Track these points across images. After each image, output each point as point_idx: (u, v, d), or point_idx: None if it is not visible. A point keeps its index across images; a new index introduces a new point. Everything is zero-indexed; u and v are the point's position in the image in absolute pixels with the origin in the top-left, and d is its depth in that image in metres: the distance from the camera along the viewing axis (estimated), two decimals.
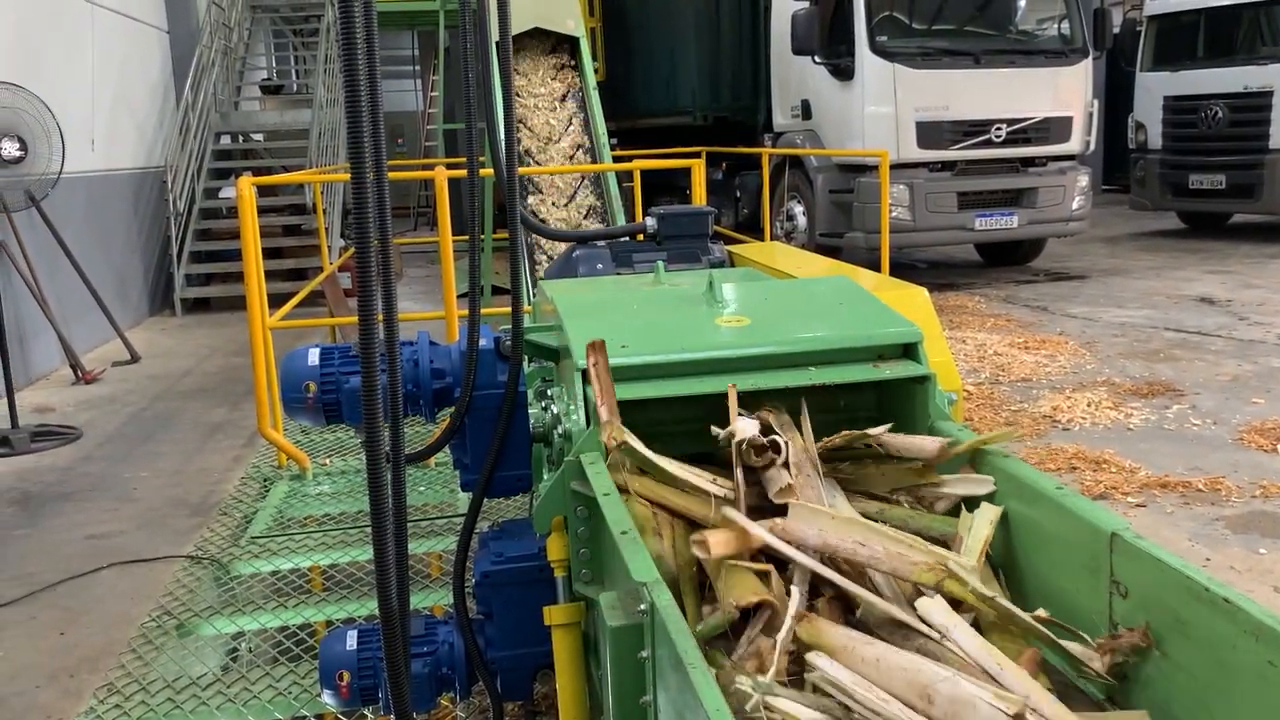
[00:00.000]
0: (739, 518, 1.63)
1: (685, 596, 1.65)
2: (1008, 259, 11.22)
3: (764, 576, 1.57)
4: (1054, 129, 9.93)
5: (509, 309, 2.26)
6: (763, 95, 11.34)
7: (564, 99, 8.10)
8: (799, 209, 10.44)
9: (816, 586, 1.62)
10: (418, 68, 21.39)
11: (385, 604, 1.67)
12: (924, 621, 1.46)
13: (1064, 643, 1.49)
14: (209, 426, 6.08)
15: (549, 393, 2.20)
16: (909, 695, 1.29)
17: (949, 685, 1.27)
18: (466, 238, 2.46)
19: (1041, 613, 1.59)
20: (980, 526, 1.71)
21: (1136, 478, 4.60)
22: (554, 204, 7.49)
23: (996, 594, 1.53)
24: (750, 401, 2.18)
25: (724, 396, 2.03)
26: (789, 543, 1.60)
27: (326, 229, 8.88)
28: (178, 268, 10.21)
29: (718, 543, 1.57)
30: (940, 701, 1.26)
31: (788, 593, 1.56)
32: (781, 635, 1.45)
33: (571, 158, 7.72)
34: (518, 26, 7.87)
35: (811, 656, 1.41)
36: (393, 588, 1.67)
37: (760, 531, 1.60)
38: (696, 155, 8.45)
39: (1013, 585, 1.77)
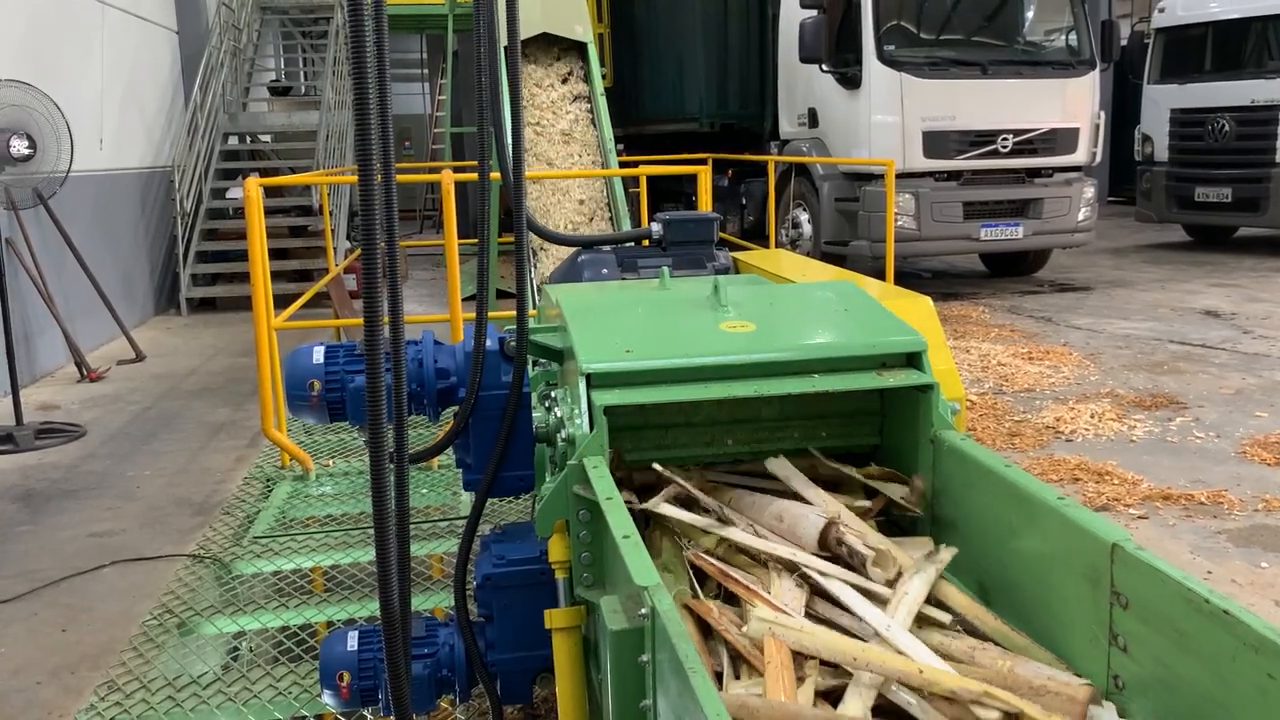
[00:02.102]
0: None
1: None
2: (1013, 269, 11.21)
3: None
4: (1060, 140, 9.93)
5: (513, 313, 2.27)
6: (769, 103, 11.35)
7: (571, 104, 8.11)
8: (804, 217, 10.45)
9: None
10: (425, 71, 21.42)
11: (387, 605, 1.67)
12: (775, 478, 2.12)
13: (881, 483, 2.12)
14: (213, 426, 6.09)
15: (553, 395, 2.21)
16: (770, 521, 1.97)
17: (793, 508, 1.96)
18: (472, 241, 2.47)
19: (873, 469, 2.16)
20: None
21: (1139, 490, 4.60)
22: (558, 208, 7.49)
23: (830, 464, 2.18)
24: (751, 405, 2.19)
25: (728, 402, 2.03)
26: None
27: (332, 230, 8.90)
28: (184, 267, 10.23)
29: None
30: (787, 519, 1.94)
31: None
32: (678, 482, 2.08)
33: (578, 163, 7.72)
34: (526, 32, 7.88)
35: (703, 500, 2.06)
36: (394, 588, 1.67)
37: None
38: (703, 162, 8.48)
39: (1012, 594, 1.77)
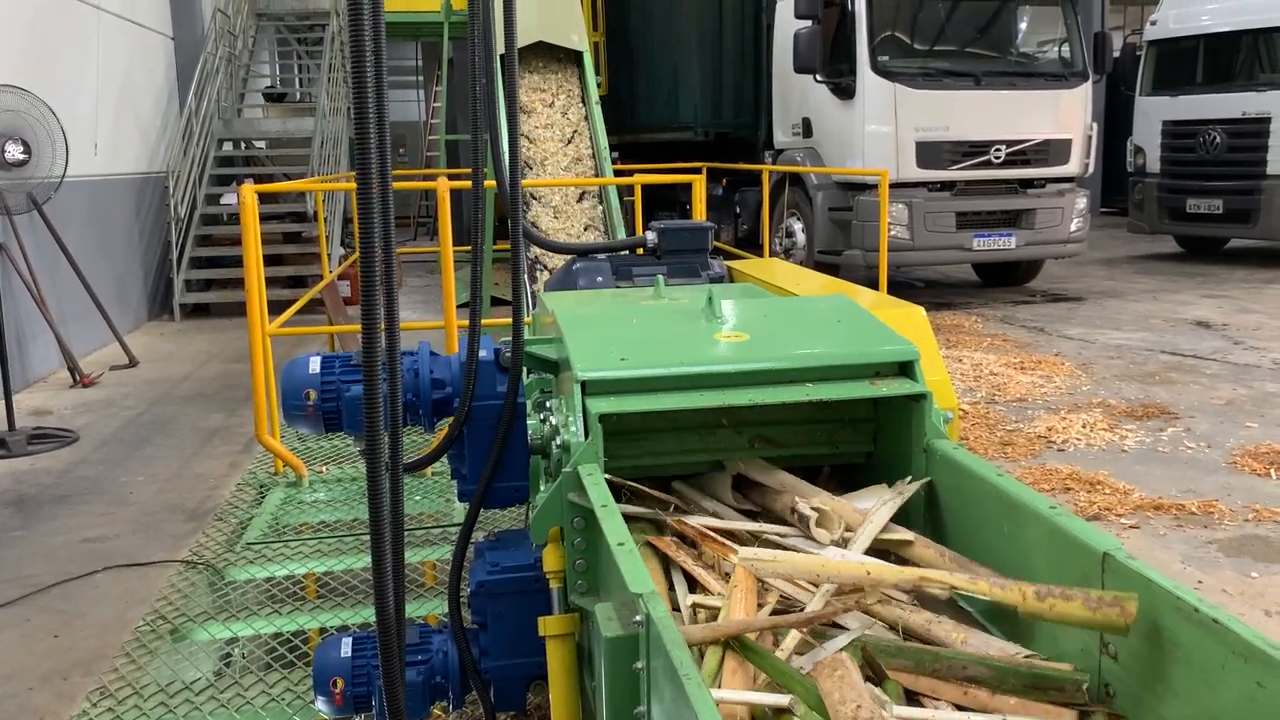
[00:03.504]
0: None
1: None
2: (1005, 279, 11.25)
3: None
4: (1053, 151, 9.98)
5: (509, 320, 2.28)
6: (764, 112, 11.38)
7: (566, 113, 8.14)
8: (798, 226, 10.48)
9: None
10: (421, 78, 21.45)
11: (382, 612, 1.67)
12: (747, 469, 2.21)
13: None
14: (206, 432, 6.08)
15: (548, 404, 2.21)
16: (712, 486, 2.15)
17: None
18: (467, 248, 2.48)
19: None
20: None
21: (1130, 499, 4.61)
22: (554, 216, 7.51)
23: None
24: (749, 412, 2.20)
25: (722, 411, 2.05)
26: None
27: (327, 237, 8.89)
28: (177, 273, 10.22)
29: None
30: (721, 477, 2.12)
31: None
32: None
33: (573, 171, 7.75)
34: (522, 40, 7.91)
35: (677, 486, 2.22)
36: (390, 596, 1.67)
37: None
38: (697, 171, 8.49)
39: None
